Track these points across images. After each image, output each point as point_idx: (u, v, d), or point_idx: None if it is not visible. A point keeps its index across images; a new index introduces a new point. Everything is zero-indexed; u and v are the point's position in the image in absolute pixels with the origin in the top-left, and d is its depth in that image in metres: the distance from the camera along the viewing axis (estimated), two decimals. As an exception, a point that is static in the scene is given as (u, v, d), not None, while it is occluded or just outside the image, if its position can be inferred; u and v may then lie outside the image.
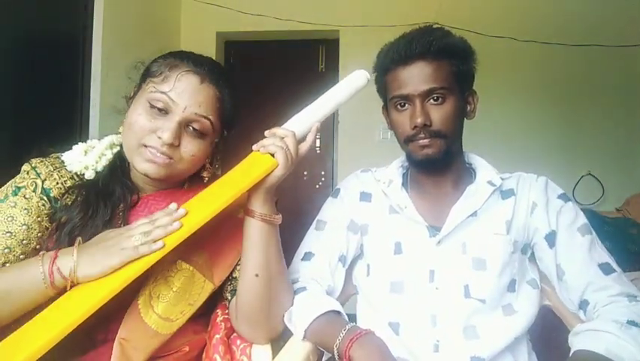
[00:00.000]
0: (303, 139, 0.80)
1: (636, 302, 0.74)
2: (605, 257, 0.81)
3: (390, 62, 0.85)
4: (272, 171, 0.74)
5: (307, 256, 0.92)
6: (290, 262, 0.91)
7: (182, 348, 0.79)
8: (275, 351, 0.80)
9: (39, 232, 0.74)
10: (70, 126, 1.84)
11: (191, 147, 0.77)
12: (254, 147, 0.77)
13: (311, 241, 0.94)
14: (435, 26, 0.87)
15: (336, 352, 0.72)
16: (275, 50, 2.91)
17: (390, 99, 0.87)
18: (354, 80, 0.84)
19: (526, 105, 2.63)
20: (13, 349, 0.56)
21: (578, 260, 0.80)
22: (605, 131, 2.59)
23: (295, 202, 2.73)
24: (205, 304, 0.80)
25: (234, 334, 0.83)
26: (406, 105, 0.85)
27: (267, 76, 2.88)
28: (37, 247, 0.74)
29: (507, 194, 0.88)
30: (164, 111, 0.75)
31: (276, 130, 0.78)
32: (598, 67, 2.60)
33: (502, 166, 0.93)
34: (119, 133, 0.82)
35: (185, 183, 0.88)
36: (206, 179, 0.86)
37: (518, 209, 0.86)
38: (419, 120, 0.81)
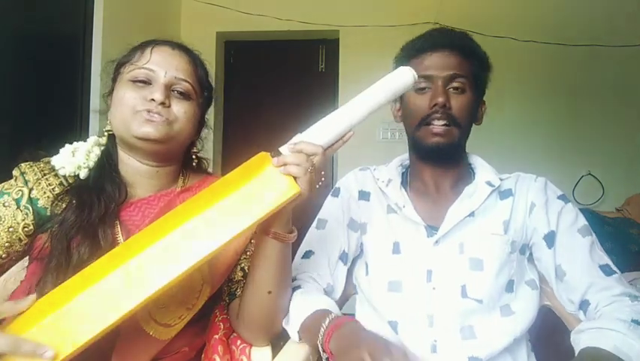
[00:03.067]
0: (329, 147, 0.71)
1: (638, 302, 0.74)
2: (605, 259, 0.81)
3: (416, 50, 0.88)
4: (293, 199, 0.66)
5: (307, 255, 0.92)
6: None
7: (182, 349, 0.79)
8: (275, 351, 0.80)
9: (6, 241, 0.74)
10: (70, 126, 1.84)
11: (181, 106, 0.80)
12: (274, 162, 0.67)
13: (311, 239, 0.94)
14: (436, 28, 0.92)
15: (320, 349, 0.71)
16: (275, 50, 2.91)
17: None
18: (398, 79, 0.73)
19: (526, 105, 2.64)
20: None
21: (579, 261, 0.80)
22: (605, 131, 2.59)
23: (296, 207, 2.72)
24: (204, 306, 0.80)
25: (234, 334, 0.83)
26: (427, 89, 0.86)
27: (267, 76, 2.89)
28: (3, 255, 0.75)
29: (505, 194, 0.88)
30: (147, 82, 0.78)
31: (303, 146, 0.67)
32: (598, 67, 2.59)
33: (502, 166, 0.93)
34: (106, 133, 0.82)
35: (179, 180, 0.87)
36: (195, 162, 0.89)
37: (516, 209, 0.86)
38: (440, 99, 0.83)
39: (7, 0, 1.56)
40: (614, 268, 0.80)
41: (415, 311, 0.82)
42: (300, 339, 0.78)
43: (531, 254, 0.88)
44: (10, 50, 1.59)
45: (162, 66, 0.79)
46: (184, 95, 0.81)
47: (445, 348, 0.80)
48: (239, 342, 0.82)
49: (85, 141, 0.84)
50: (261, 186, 0.66)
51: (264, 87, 2.87)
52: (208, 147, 2.74)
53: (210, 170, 0.97)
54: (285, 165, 0.66)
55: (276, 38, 2.86)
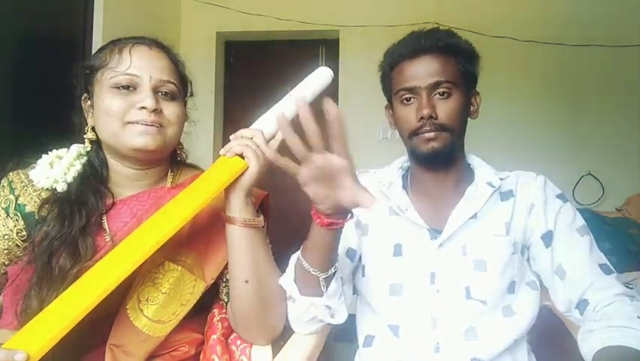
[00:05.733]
0: (272, 138, 0.79)
1: (637, 301, 0.74)
2: (603, 258, 0.82)
3: (398, 56, 0.86)
4: (243, 172, 0.73)
5: None
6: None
7: (180, 347, 0.79)
8: (275, 351, 0.80)
9: (5, 248, 0.76)
10: (70, 126, 1.84)
11: (172, 109, 0.79)
12: (220, 152, 0.76)
13: None
14: (441, 28, 0.89)
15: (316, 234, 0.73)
16: (275, 50, 2.91)
17: (396, 93, 0.87)
18: (318, 78, 0.84)
19: (526, 105, 2.63)
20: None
21: (580, 260, 0.80)
22: (605, 131, 2.59)
23: (295, 202, 2.72)
24: (201, 302, 0.80)
25: (234, 334, 0.83)
26: (412, 100, 0.85)
27: (267, 76, 2.88)
28: (6, 262, 0.77)
29: (506, 195, 0.87)
30: (132, 88, 0.76)
31: (242, 131, 0.77)
32: (598, 67, 2.59)
33: (502, 166, 0.93)
34: (87, 140, 0.82)
35: (168, 177, 0.86)
36: (179, 158, 0.88)
37: (517, 210, 0.86)
38: (425, 112, 0.81)
39: (8, 0, 1.56)
40: (612, 268, 0.80)
41: (418, 314, 0.82)
42: (299, 291, 0.76)
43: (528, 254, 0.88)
44: (10, 50, 1.59)
45: (145, 69, 0.76)
46: (171, 96, 0.79)
47: (448, 349, 0.80)
48: (239, 342, 0.81)
49: (58, 150, 0.83)
50: (212, 170, 0.75)
51: (264, 87, 2.87)
52: (208, 147, 2.76)
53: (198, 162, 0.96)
54: (229, 149, 0.75)
55: (276, 38, 2.86)
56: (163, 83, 0.78)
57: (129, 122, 0.75)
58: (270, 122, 0.80)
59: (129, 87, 0.76)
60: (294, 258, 0.80)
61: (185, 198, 0.72)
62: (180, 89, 0.82)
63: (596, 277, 0.78)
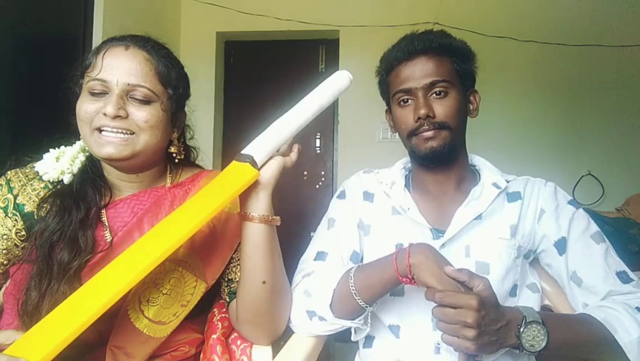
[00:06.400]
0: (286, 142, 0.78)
1: None
2: (622, 265, 0.81)
3: (393, 59, 0.87)
4: (254, 181, 0.71)
5: (321, 256, 0.90)
6: (292, 262, 0.90)
7: (180, 347, 0.79)
8: (275, 351, 0.80)
9: (4, 248, 0.76)
10: (70, 126, 1.84)
11: (141, 114, 0.74)
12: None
13: (323, 240, 0.92)
14: (435, 29, 0.90)
15: (391, 279, 0.75)
16: (275, 49, 2.90)
17: (394, 95, 0.88)
18: (336, 82, 0.80)
19: (526, 105, 2.63)
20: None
21: (596, 268, 0.80)
22: (605, 131, 2.59)
23: (295, 202, 2.73)
24: (201, 302, 0.80)
25: (235, 334, 0.83)
26: (409, 101, 0.86)
27: (267, 76, 2.88)
28: (4, 262, 0.77)
29: (513, 197, 0.87)
30: (103, 93, 0.74)
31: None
32: (598, 67, 2.59)
33: (502, 166, 0.93)
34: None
35: (167, 177, 0.86)
36: (177, 159, 0.84)
37: (525, 214, 0.85)
38: (422, 111, 0.82)
39: (7, 0, 1.56)
40: (631, 276, 0.80)
41: (419, 314, 0.82)
42: (333, 312, 0.78)
43: (535, 259, 0.88)
44: (10, 50, 1.59)
45: (114, 73, 0.73)
46: (144, 101, 0.75)
47: (448, 350, 0.79)
48: (239, 342, 0.82)
49: (63, 147, 0.83)
50: (223, 179, 0.73)
51: (264, 87, 2.87)
52: (208, 147, 2.75)
53: (202, 162, 0.95)
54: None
55: (276, 38, 2.86)
56: (132, 87, 0.74)
57: (96, 129, 0.74)
58: (285, 132, 0.77)
59: (100, 93, 0.74)
60: (327, 283, 0.80)
61: (195, 206, 0.70)
62: (157, 92, 0.76)
63: (613, 286, 0.78)
